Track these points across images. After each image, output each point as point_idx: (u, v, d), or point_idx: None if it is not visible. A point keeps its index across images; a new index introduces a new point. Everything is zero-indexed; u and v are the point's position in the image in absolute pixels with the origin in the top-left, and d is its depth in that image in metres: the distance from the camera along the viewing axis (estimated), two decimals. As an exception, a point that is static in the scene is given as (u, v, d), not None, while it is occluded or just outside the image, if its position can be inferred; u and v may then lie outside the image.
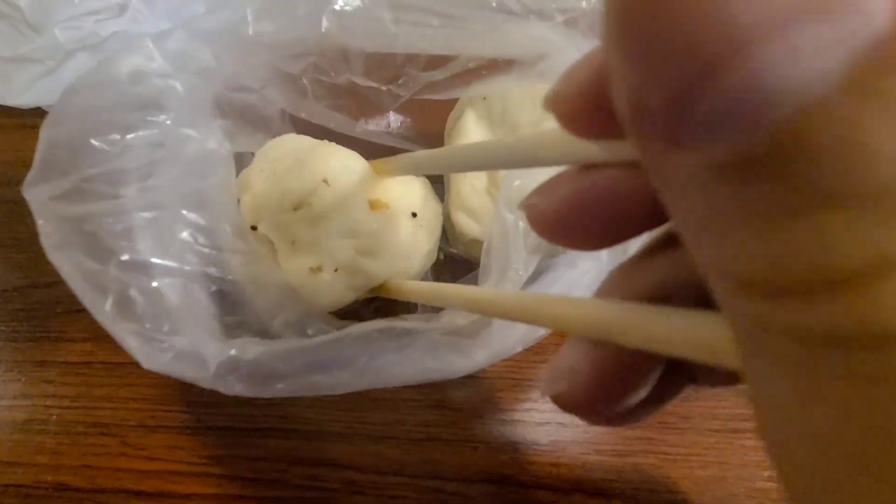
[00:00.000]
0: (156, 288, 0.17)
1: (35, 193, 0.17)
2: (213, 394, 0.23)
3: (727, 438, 0.21)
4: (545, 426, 0.22)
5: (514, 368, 0.23)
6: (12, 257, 0.29)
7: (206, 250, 0.18)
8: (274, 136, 0.25)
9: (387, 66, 0.23)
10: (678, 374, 0.09)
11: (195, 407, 0.23)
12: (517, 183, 0.18)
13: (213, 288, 0.18)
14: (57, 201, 0.17)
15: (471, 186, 0.22)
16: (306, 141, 0.21)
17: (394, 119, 0.27)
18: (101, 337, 0.25)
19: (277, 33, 0.21)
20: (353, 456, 0.21)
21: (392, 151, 0.27)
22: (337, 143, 0.28)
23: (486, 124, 0.23)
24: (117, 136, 0.19)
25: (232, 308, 0.19)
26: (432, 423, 0.22)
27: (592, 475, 0.21)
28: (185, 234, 0.18)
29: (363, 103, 0.25)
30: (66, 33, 0.31)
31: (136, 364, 0.24)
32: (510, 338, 0.15)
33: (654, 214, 0.08)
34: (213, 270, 0.18)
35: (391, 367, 0.15)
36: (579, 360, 0.09)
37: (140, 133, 0.19)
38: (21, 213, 0.31)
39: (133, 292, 0.16)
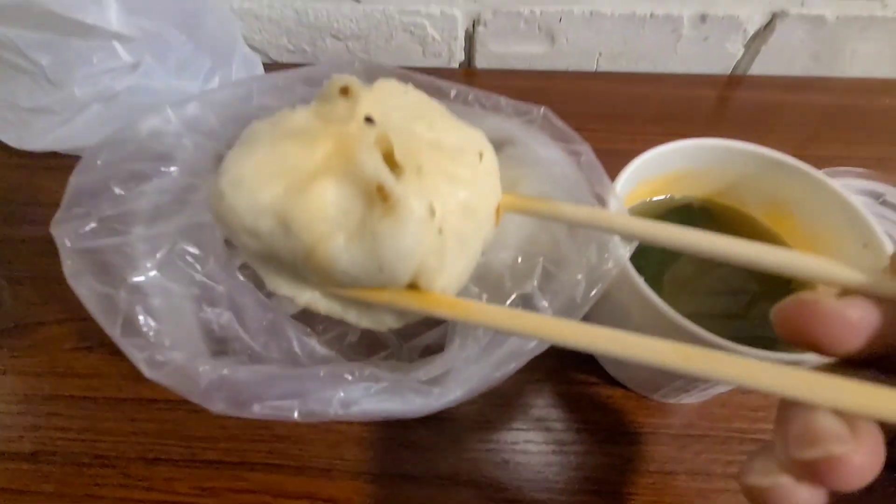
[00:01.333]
0: (158, 309, 0.19)
1: (60, 231, 0.19)
2: (207, 429, 0.26)
3: (663, 479, 0.24)
4: (504, 465, 0.25)
5: (478, 411, 0.26)
6: (25, 294, 0.31)
7: (200, 277, 0.20)
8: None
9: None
10: None
11: (191, 441, 0.25)
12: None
13: (207, 310, 0.20)
14: (78, 237, 0.19)
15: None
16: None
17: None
18: (106, 373, 0.28)
19: (276, 109, 0.24)
20: (332, 489, 0.24)
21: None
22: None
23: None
24: (133, 184, 0.22)
25: (219, 330, 0.20)
26: (405, 461, 0.25)
27: (544, 511, 0.23)
28: (182, 264, 0.20)
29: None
30: (83, 88, 0.34)
31: (137, 400, 0.27)
32: (471, 383, 0.18)
33: None
34: (205, 295, 0.20)
35: (361, 403, 0.17)
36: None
37: (153, 181, 0.22)
38: (32, 252, 0.33)
39: (139, 312, 0.18)
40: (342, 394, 0.16)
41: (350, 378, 0.16)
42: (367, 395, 0.16)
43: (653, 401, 0.26)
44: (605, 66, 0.46)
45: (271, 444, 0.25)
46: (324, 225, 0.14)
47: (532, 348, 0.19)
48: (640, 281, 0.19)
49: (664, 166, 0.25)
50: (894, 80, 0.45)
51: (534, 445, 0.25)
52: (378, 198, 0.13)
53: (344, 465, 0.25)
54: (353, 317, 0.16)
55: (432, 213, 0.14)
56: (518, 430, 0.26)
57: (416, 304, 0.15)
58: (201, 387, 0.16)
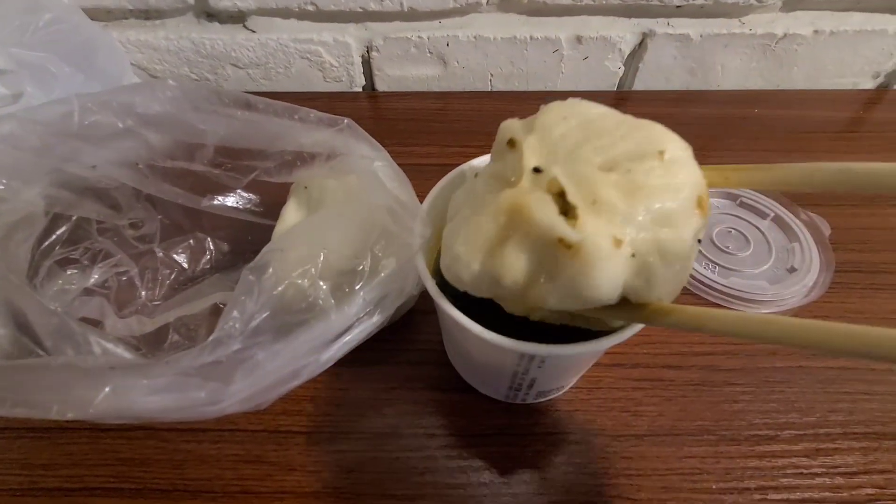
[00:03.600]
0: None
1: None
2: (51, 456, 0.26)
3: (503, 478, 0.24)
4: (348, 474, 0.25)
5: (331, 423, 0.26)
6: None
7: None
8: (115, 207, 0.29)
9: (207, 154, 0.26)
10: None
11: (33, 469, 0.25)
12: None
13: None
14: None
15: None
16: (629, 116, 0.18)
17: (241, 195, 0.31)
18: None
19: (99, 127, 0.24)
20: (171, 510, 0.24)
21: (239, 224, 0.30)
22: (183, 217, 0.31)
23: (304, 210, 0.27)
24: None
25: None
26: (248, 477, 0.25)
27: (383, 519, 0.23)
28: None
29: (206, 183, 0.28)
30: (-43, 120, 0.34)
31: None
32: (260, 386, 0.18)
33: None
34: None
35: (134, 402, 0.17)
36: None
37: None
38: None
39: None
40: (108, 389, 0.16)
41: (117, 370, 0.17)
42: (143, 394, 0.17)
43: (501, 403, 0.27)
44: (500, 86, 0.48)
45: (115, 467, 0.25)
46: (523, 277, 0.15)
47: (341, 345, 0.19)
48: (425, 272, 0.20)
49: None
50: (761, 90, 0.48)
51: (383, 453, 0.25)
52: (562, 247, 0.14)
53: (185, 484, 0.24)
54: (582, 322, 0.19)
55: (618, 243, 0.14)
56: (367, 438, 0.26)
57: (637, 317, 0.16)
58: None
